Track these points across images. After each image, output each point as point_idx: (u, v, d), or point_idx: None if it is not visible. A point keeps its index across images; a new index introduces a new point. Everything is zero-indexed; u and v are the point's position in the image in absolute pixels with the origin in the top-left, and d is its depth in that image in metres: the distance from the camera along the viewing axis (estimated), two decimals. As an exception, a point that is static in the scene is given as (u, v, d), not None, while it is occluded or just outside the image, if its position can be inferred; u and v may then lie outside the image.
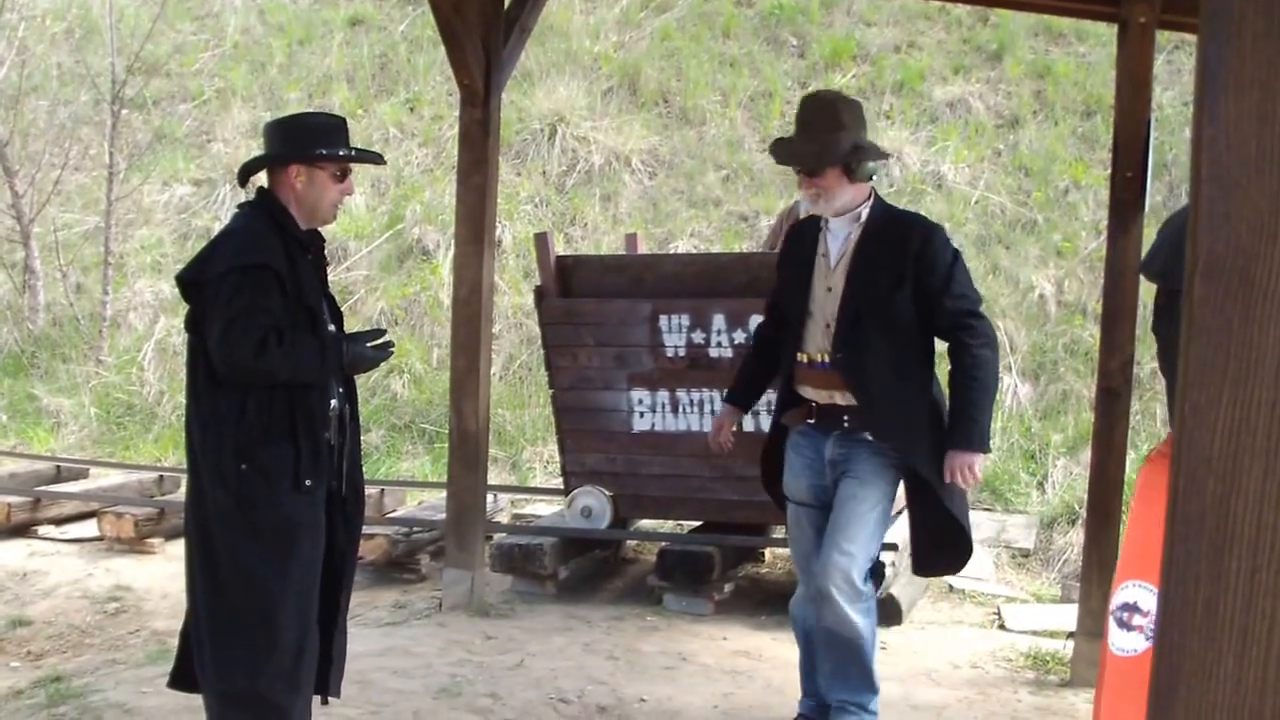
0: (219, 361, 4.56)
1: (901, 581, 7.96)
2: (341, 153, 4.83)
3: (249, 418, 4.59)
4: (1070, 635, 7.17)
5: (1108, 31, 12.66)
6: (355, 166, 4.96)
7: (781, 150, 5.33)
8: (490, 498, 8.15)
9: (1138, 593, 3.34)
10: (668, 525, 9.39)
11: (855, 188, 5.25)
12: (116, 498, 10.23)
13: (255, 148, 14.43)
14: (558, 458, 9.41)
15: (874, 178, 5.34)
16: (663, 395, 8.08)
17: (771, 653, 7.16)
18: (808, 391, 5.42)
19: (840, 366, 5.24)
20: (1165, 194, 13.67)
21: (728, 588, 8.14)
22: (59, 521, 10.42)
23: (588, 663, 6.83)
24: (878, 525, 5.31)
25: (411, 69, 17.25)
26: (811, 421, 5.41)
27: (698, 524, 8.68)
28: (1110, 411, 6.79)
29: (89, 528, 10.11)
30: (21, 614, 8.56)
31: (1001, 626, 7.90)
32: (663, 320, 8.06)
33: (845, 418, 5.31)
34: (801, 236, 5.52)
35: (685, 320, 8.01)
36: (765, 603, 8.13)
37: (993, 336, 5.24)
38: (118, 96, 15.71)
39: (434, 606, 7.95)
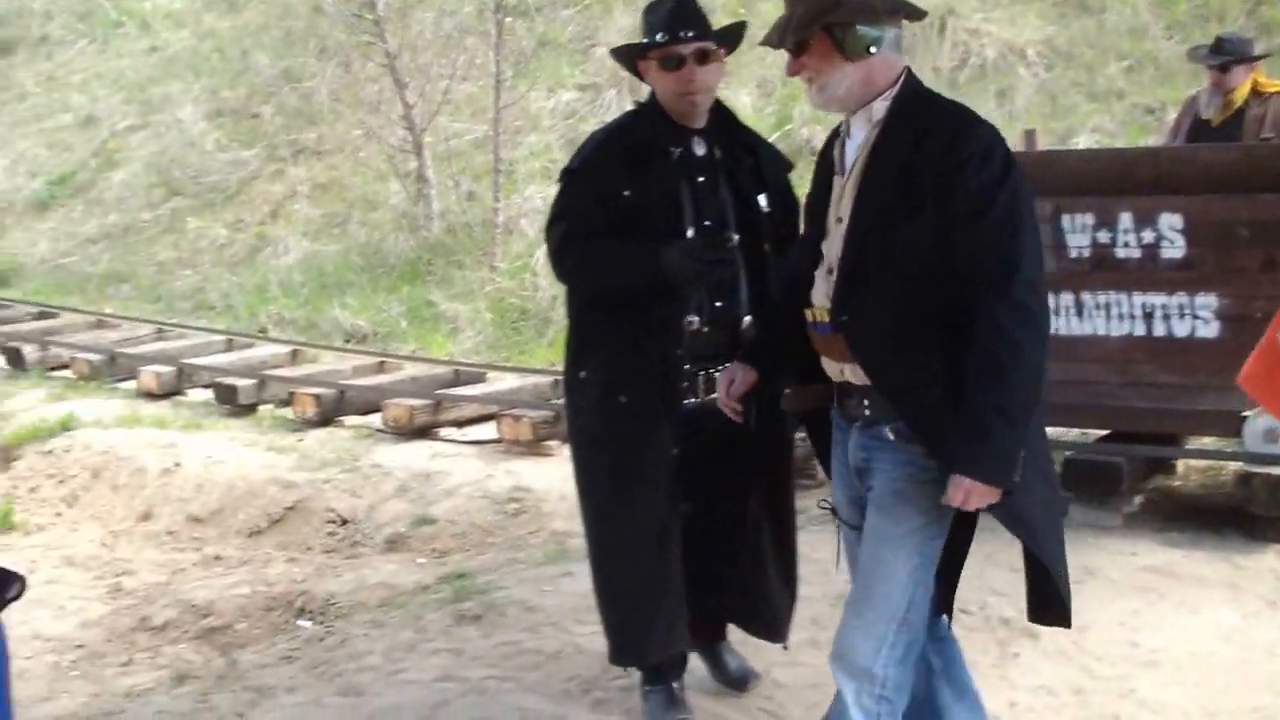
0: None
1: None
2: (659, 38, 4.36)
3: (579, 326, 4.56)
4: None
5: None
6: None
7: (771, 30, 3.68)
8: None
9: None
10: (1071, 434, 9.03)
11: (859, 68, 3.53)
12: (514, 401, 10.46)
13: (640, 52, 14.50)
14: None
15: (874, 49, 3.53)
16: (1066, 298, 7.69)
17: (1184, 570, 6.79)
18: (823, 363, 3.79)
19: (844, 331, 3.60)
20: None
21: (1137, 500, 7.71)
22: (459, 424, 10.74)
23: (989, 574, 6.57)
24: (911, 577, 3.67)
25: (798, -36, 16.97)
26: (835, 407, 3.86)
27: (1104, 433, 8.30)
28: None
29: (488, 430, 10.39)
30: (426, 513, 8.88)
31: None
32: (1065, 219, 7.70)
33: (865, 402, 3.66)
34: (830, 144, 3.86)
35: (1089, 219, 7.63)
36: (1176, 517, 7.68)
37: (1040, 315, 3.46)
38: (501, 5, 15.96)
39: (829, 512, 7.85)
